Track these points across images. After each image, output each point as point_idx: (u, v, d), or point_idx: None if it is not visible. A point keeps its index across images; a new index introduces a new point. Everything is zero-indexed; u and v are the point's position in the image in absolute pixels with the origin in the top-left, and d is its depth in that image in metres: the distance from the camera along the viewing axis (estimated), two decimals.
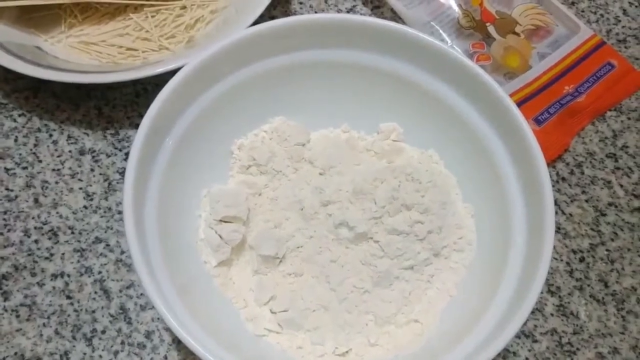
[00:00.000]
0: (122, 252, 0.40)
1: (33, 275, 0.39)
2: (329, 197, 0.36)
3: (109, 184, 0.42)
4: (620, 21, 0.52)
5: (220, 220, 0.36)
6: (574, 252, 0.42)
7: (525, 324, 0.39)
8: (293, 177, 0.38)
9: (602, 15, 0.52)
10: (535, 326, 0.39)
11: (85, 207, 0.41)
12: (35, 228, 0.40)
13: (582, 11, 0.52)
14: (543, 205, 0.32)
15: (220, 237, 0.35)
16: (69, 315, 0.38)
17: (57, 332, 0.37)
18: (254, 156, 0.38)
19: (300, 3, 0.51)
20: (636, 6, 0.53)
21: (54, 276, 0.39)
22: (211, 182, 0.38)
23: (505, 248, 0.34)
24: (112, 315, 0.38)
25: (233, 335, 0.34)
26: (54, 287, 0.38)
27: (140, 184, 0.32)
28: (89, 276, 0.39)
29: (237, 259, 0.37)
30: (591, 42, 0.48)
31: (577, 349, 0.39)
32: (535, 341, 0.39)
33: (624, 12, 0.52)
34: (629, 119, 0.47)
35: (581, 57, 0.47)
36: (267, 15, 0.46)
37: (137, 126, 0.44)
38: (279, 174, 0.38)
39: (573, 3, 0.52)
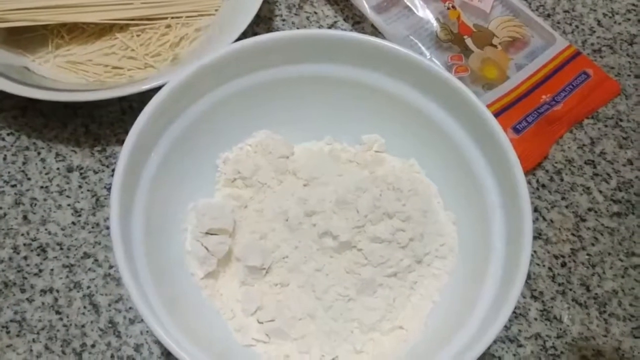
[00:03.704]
0: (111, 267, 0.40)
1: (22, 291, 0.39)
2: (313, 207, 0.37)
3: (97, 200, 0.43)
4: (595, 32, 0.53)
5: (207, 233, 0.37)
6: (556, 257, 0.43)
7: (509, 328, 0.40)
8: (278, 189, 0.39)
9: (577, 27, 0.53)
10: (520, 331, 0.40)
11: (73, 223, 0.42)
12: (24, 245, 0.41)
13: (558, 23, 0.54)
14: (521, 211, 0.33)
15: (207, 249, 0.36)
16: (58, 331, 0.38)
17: (47, 347, 0.37)
18: (239, 169, 0.39)
19: (283, 20, 0.52)
20: (610, 17, 0.54)
21: (43, 292, 0.39)
22: (197, 196, 0.38)
23: (486, 254, 0.34)
24: (101, 330, 0.38)
25: (222, 346, 0.34)
26: (43, 303, 0.39)
27: (127, 199, 0.33)
28: (78, 291, 0.39)
29: (224, 270, 0.37)
30: (567, 52, 0.49)
31: (562, 352, 0.39)
32: (520, 346, 0.39)
33: (599, 23, 0.54)
34: (605, 126, 0.48)
35: (557, 67, 0.48)
36: (250, 32, 0.47)
37: (123, 143, 0.44)
38: (264, 187, 0.39)
39: (549, 15, 0.54)
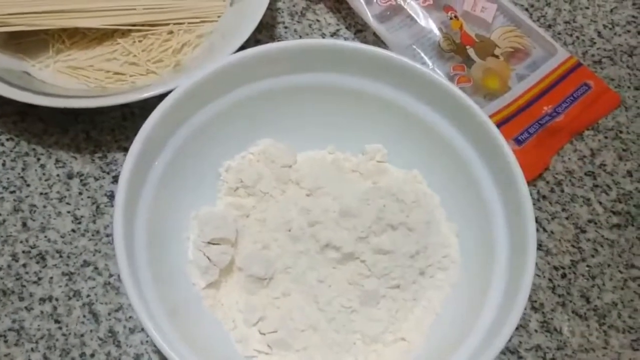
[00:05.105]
0: (111, 275, 0.40)
1: (21, 299, 0.39)
2: (316, 217, 0.36)
3: (97, 207, 0.42)
4: (595, 43, 0.53)
5: (209, 242, 0.36)
6: (556, 268, 0.43)
7: (510, 340, 0.39)
8: (280, 198, 0.39)
9: (577, 38, 0.54)
10: (520, 342, 0.40)
11: (73, 230, 0.41)
12: (23, 252, 0.40)
13: (559, 33, 0.54)
14: (524, 223, 0.33)
15: (209, 259, 0.36)
16: (57, 340, 0.38)
17: (45, 357, 0.37)
18: (241, 178, 0.39)
19: (285, 27, 0.52)
20: (610, 28, 0.54)
21: (42, 300, 0.39)
22: (199, 205, 0.38)
23: (489, 266, 0.34)
24: (101, 339, 0.38)
25: (223, 357, 0.34)
26: (42, 312, 0.38)
27: (130, 207, 0.33)
28: (78, 300, 0.39)
29: (226, 280, 0.37)
30: (568, 63, 0.49)
31: None
32: (521, 357, 0.39)
33: (599, 34, 0.54)
34: (605, 137, 0.49)
35: (559, 78, 0.49)
36: (253, 39, 0.47)
37: (125, 149, 0.44)
38: (267, 196, 0.39)
39: (550, 26, 0.54)
